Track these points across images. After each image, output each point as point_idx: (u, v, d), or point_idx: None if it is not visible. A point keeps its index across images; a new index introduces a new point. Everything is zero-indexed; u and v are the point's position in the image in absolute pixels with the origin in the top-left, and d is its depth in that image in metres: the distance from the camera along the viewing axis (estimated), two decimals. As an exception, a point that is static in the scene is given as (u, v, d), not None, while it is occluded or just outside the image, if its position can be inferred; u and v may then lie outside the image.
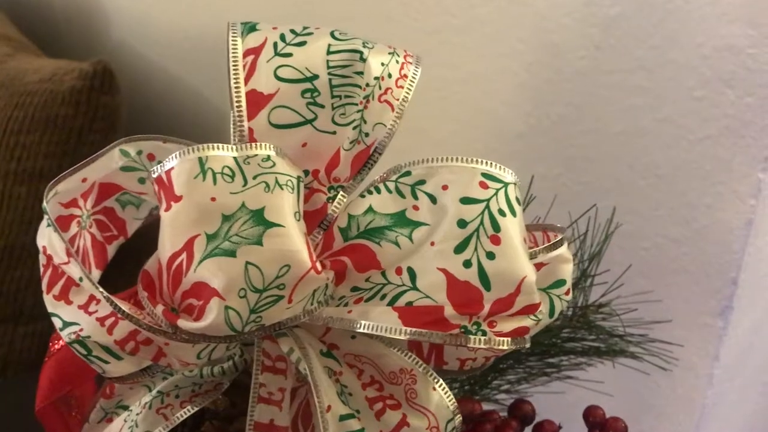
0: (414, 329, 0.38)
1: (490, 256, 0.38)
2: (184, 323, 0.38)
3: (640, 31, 0.74)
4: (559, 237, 0.44)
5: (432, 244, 0.39)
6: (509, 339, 0.38)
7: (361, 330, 0.39)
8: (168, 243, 0.39)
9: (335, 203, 0.42)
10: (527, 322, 0.38)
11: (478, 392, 0.60)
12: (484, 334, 0.38)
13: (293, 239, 0.38)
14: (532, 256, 0.43)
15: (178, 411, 0.46)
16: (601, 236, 0.63)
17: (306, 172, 0.42)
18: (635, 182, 0.79)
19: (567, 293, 0.45)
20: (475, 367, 0.47)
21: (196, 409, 0.46)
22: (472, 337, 0.37)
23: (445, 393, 0.42)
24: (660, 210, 0.78)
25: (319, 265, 0.39)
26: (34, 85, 1.02)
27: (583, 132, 0.82)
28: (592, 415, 0.54)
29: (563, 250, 0.44)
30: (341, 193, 0.42)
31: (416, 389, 0.42)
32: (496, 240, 0.38)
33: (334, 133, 0.42)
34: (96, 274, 0.48)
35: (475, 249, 0.38)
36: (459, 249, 0.38)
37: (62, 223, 0.45)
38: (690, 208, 0.75)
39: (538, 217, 0.59)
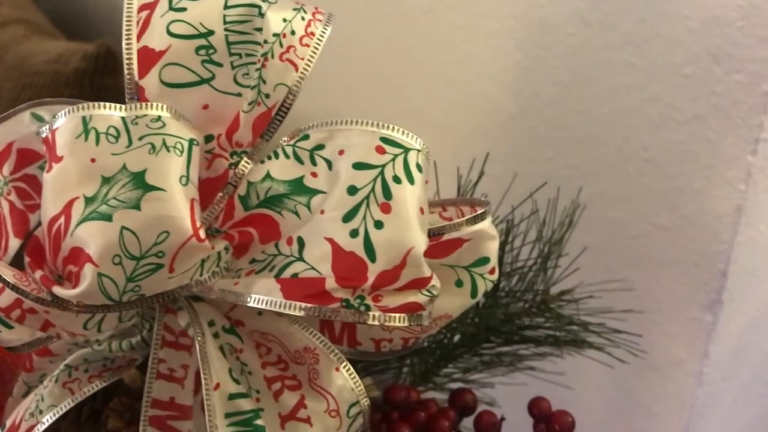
0: (293, 302, 0.35)
1: (378, 225, 0.35)
2: (59, 290, 0.36)
3: (628, 4, 0.69)
4: (482, 210, 0.40)
5: (322, 212, 0.36)
6: (401, 315, 0.35)
7: (243, 303, 0.36)
8: (49, 206, 0.37)
9: (238, 169, 0.40)
10: (418, 297, 0.35)
11: (430, 379, 0.57)
12: (368, 308, 0.35)
13: (174, 204, 0.35)
14: (451, 230, 0.40)
15: (86, 386, 0.44)
16: (566, 219, 0.59)
17: (210, 137, 0.40)
18: (624, 166, 0.75)
19: (492, 272, 0.42)
20: (394, 349, 0.44)
21: (104, 384, 0.44)
22: (353, 311, 0.34)
23: (350, 375, 0.39)
24: (648, 196, 0.73)
25: (202, 233, 0.36)
26: (41, 66, 1.04)
27: (572, 113, 0.78)
28: (536, 408, 0.50)
29: (486, 225, 0.41)
30: (245, 159, 0.40)
31: (318, 369, 0.39)
32: (386, 208, 0.35)
33: (239, 95, 0.39)
34: (15, 242, 0.46)
35: (364, 218, 0.35)
36: (347, 217, 0.35)
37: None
38: (678, 193, 0.71)
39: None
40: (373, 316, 0.35)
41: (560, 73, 0.77)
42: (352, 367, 0.40)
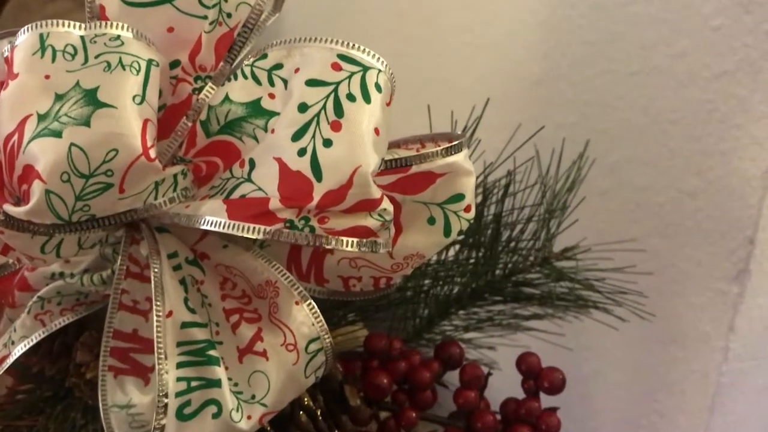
0: (237, 223, 0.33)
1: (327, 143, 0.33)
2: (9, 208, 0.36)
3: (656, -47, 0.66)
4: (456, 142, 0.38)
5: (272, 131, 0.35)
6: (351, 240, 0.33)
7: (193, 225, 0.35)
8: (4, 124, 0.36)
9: (202, 95, 0.38)
10: (368, 221, 0.33)
11: (422, 336, 0.55)
12: (312, 230, 0.33)
13: (125, 122, 0.34)
14: (420, 160, 0.38)
15: (57, 318, 0.44)
16: (575, 173, 0.56)
17: (176, 63, 0.39)
18: (649, 128, 0.71)
19: (467, 210, 0.40)
20: (366, 290, 0.42)
21: (76, 317, 0.44)
22: (297, 232, 0.33)
23: (312, 311, 0.38)
24: (674, 159, 0.69)
25: (153, 153, 0.35)
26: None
27: (598, 74, 0.75)
28: (525, 363, 0.48)
29: (460, 158, 0.38)
30: (210, 84, 0.38)
31: (278, 303, 0.38)
32: (336, 126, 0.33)
33: (204, 17, 0.38)
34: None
35: (313, 136, 0.33)
36: (296, 136, 0.33)
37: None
38: (704, 155, 0.67)
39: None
40: (322, 238, 0.33)
41: (586, 32, 0.74)
42: (315, 305, 0.38)
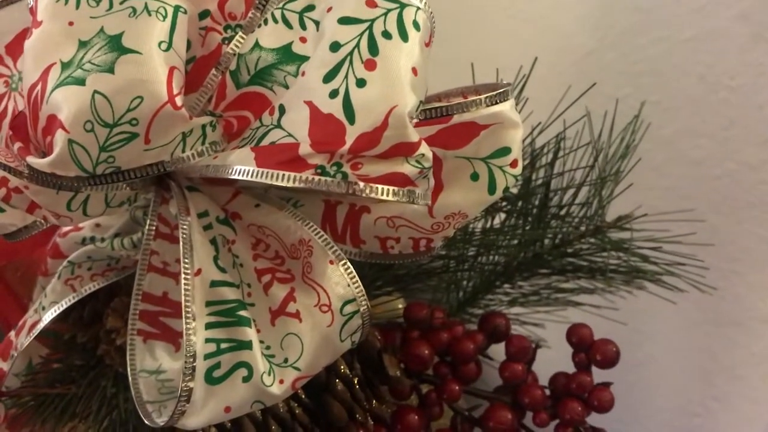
0: (266, 170, 0.31)
1: (361, 83, 0.30)
2: (33, 160, 0.34)
3: None
4: (501, 90, 0.36)
5: (303, 74, 0.32)
6: (386, 188, 0.31)
7: (222, 175, 0.33)
8: (28, 74, 0.35)
9: (232, 44, 0.36)
10: (405, 167, 0.31)
11: (466, 310, 0.52)
12: (345, 177, 0.30)
13: (150, 68, 0.33)
14: (462, 109, 0.35)
15: (87, 283, 0.43)
16: (629, 137, 0.53)
17: (206, 13, 0.37)
18: (706, 97, 0.67)
19: (513, 165, 0.37)
20: (405, 253, 0.39)
21: (106, 283, 0.43)
22: (328, 179, 0.30)
23: (348, 271, 0.35)
24: (733, 129, 0.66)
25: (179, 101, 0.33)
26: None
27: (650, 42, 0.71)
28: (576, 335, 0.45)
29: (506, 108, 0.36)
30: (240, 33, 0.37)
31: (312, 262, 0.36)
32: (371, 65, 0.30)
33: None
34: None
35: (345, 76, 0.31)
36: (328, 77, 0.31)
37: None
38: (766, 124, 0.63)
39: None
40: (356, 184, 0.30)
41: (637, -1, 0.71)
42: (351, 266, 0.36)
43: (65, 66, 0.33)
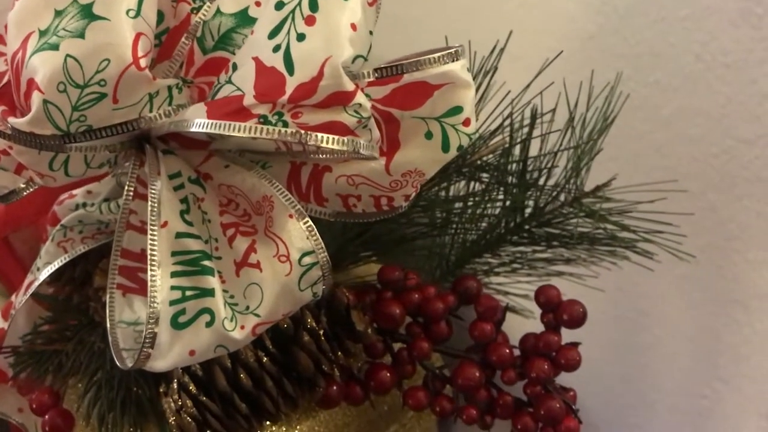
0: (214, 121, 0.33)
1: (301, 37, 0.32)
2: (13, 120, 0.37)
3: None
4: (453, 50, 0.37)
5: (252, 32, 0.35)
6: (330, 137, 0.32)
7: (183, 129, 0.36)
8: (11, 43, 0.38)
9: (200, 13, 0.39)
10: (343, 116, 0.33)
11: (449, 280, 0.54)
12: (285, 125, 0.33)
13: (117, 33, 0.35)
14: (412, 68, 0.37)
15: (78, 245, 0.45)
16: (608, 109, 0.54)
17: (179, -17, 0.39)
18: (703, 75, 0.67)
19: (466, 123, 0.39)
20: (369, 211, 0.41)
21: (95, 245, 0.45)
22: (270, 128, 0.32)
23: (307, 225, 0.38)
24: (729, 106, 0.66)
25: (144, 62, 0.36)
26: None
27: (649, 24, 0.71)
28: (543, 295, 0.46)
29: (457, 67, 0.37)
30: (207, 3, 0.39)
31: (273, 216, 0.38)
32: (310, 20, 0.32)
33: None
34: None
35: (288, 32, 0.33)
36: (272, 34, 0.33)
37: (-17, 56, 0.46)
38: (761, 98, 0.63)
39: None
40: (277, 130, 0.32)
41: (637, -21, 0.71)
42: (311, 222, 0.38)
43: (42, 33, 0.36)
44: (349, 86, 0.33)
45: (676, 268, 0.69)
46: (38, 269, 0.46)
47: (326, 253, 0.38)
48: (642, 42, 0.72)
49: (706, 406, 0.75)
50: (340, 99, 0.33)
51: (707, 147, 0.69)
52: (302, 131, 0.32)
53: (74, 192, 0.48)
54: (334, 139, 0.33)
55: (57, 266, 0.45)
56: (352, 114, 0.33)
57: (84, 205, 0.47)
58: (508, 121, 0.52)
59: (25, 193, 0.44)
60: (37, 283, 0.46)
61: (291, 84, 0.32)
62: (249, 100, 0.33)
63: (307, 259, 0.38)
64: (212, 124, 0.33)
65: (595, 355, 0.81)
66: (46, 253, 0.46)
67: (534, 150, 0.53)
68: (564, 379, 0.81)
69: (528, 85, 0.52)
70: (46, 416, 0.45)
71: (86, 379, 0.46)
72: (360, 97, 0.33)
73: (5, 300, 0.52)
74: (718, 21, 0.64)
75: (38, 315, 0.51)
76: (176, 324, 0.37)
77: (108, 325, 0.40)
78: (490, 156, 0.51)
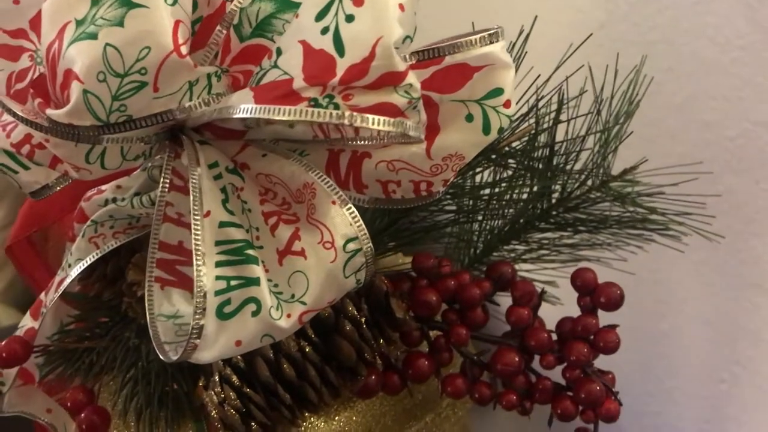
0: (263, 106, 0.33)
1: (349, 18, 0.32)
2: (51, 111, 0.37)
3: None
4: (493, 31, 0.37)
5: (297, 16, 0.34)
6: (378, 118, 0.32)
7: (226, 116, 0.35)
8: (46, 34, 0.37)
9: (237, 1, 0.39)
10: (394, 97, 0.33)
11: (477, 268, 0.54)
12: (337, 107, 0.32)
13: (156, 20, 0.35)
14: (454, 50, 0.37)
15: (110, 240, 0.45)
16: (633, 92, 0.54)
17: (210, -29, 0.39)
18: (718, 60, 0.68)
19: (506, 105, 0.39)
20: (407, 197, 0.41)
21: (127, 240, 0.45)
22: (321, 110, 0.32)
23: (350, 212, 0.37)
24: (745, 89, 0.66)
25: (185, 49, 0.35)
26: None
27: (660, 10, 0.72)
28: (580, 279, 0.46)
29: (497, 48, 0.37)
30: (242, -11, 0.39)
31: (315, 204, 0.38)
32: (359, 1, 0.32)
33: None
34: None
35: (336, 13, 0.33)
36: (319, 16, 0.33)
37: (8, 53, 0.46)
38: (778, 80, 0.63)
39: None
40: (330, 113, 0.32)
41: (646, -33, 0.71)
42: (354, 209, 0.38)
43: (79, 23, 0.36)
44: (401, 66, 0.32)
45: (694, 253, 0.70)
46: (69, 266, 0.46)
47: (370, 240, 0.38)
48: (653, 29, 0.72)
49: (725, 390, 0.75)
50: (392, 79, 0.32)
51: (723, 131, 0.69)
52: (353, 114, 0.32)
53: (103, 188, 0.47)
54: (384, 120, 0.33)
55: (89, 262, 0.44)
56: (403, 95, 0.33)
57: (114, 200, 0.47)
58: (534, 107, 0.52)
59: (58, 188, 0.43)
60: (68, 280, 0.45)
61: (342, 66, 0.32)
62: (299, 83, 0.33)
63: (351, 246, 0.37)
64: (261, 108, 0.33)
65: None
66: (77, 249, 0.45)
67: (560, 136, 0.53)
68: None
69: (555, 70, 0.52)
70: (82, 414, 0.44)
71: (121, 376, 0.45)
72: (411, 77, 0.33)
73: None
74: (731, 3, 0.64)
75: (65, 314, 0.51)
76: (222, 314, 0.37)
77: (148, 318, 0.40)
78: (517, 143, 0.51)
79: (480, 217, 0.52)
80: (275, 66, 0.35)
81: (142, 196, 0.44)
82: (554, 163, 0.52)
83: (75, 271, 0.45)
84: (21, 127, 0.41)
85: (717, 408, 0.76)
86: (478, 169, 0.50)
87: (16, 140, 0.41)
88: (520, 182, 0.52)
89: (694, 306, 0.75)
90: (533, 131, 0.51)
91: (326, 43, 0.33)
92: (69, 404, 0.45)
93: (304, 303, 0.37)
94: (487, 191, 0.52)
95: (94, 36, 0.35)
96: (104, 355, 0.46)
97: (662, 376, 0.80)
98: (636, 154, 0.61)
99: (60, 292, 0.45)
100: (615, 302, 0.45)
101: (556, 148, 0.52)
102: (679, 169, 0.55)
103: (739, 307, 0.72)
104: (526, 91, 0.52)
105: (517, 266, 0.56)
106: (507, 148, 0.51)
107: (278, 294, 0.38)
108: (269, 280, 0.38)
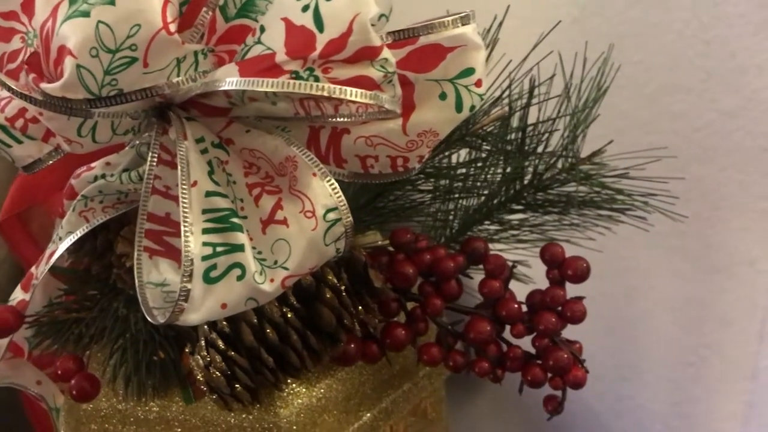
0: (247, 78, 0.35)
1: None
2: (45, 85, 0.38)
3: None
4: (464, 13, 0.40)
5: None
6: (356, 90, 0.34)
7: (212, 89, 0.37)
8: (39, 12, 0.39)
9: (222, -18, 0.41)
10: (370, 71, 0.35)
11: (453, 247, 0.56)
12: (317, 79, 0.34)
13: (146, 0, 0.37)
14: (427, 31, 0.39)
15: (99, 215, 0.47)
16: (601, 80, 0.57)
17: (199, -47, 0.41)
18: (684, 52, 0.70)
19: (478, 84, 0.41)
20: (385, 172, 0.43)
21: (116, 214, 0.47)
22: (303, 82, 0.34)
23: (330, 184, 0.39)
24: (710, 80, 0.69)
25: (173, 27, 0.37)
26: None
27: (630, 4, 0.74)
28: (548, 253, 0.48)
29: (469, 30, 0.40)
30: (228, -28, 0.41)
31: (297, 175, 0.40)
32: None
33: None
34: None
35: None
36: None
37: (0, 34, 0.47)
38: (740, 72, 0.66)
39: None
40: (310, 85, 0.34)
41: (618, -38, 0.74)
42: (334, 181, 0.40)
43: (72, 2, 0.38)
44: (377, 41, 0.35)
45: (663, 240, 0.72)
46: (60, 238, 0.47)
47: (349, 211, 0.40)
48: (624, 22, 0.75)
49: (693, 373, 0.78)
50: (368, 54, 0.35)
51: (690, 121, 0.72)
52: (332, 87, 0.34)
53: (92, 165, 0.49)
54: (360, 93, 0.35)
55: (80, 234, 0.46)
56: (379, 69, 0.35)
57: (103, 176, 0.48)
58: (507, 92, 0.55)
59: (49, 162, 0.45)
60: (59, 252, 0.47)
61: (321, 40, 0.34)
62: (281, 57, 0.35)
63: (331, 215, 0.39)
64: (245, 81, 0.35)
65: (584, 330, 0.84)
66: (67, 222, 0.47)
67: (532, 119, 0.56)
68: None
69: (526, 57, 0.54)
70: (72, 381, 0.46)
71: (110, 345, 0.47)
72: (386, 53, 0.35)
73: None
74: (698, -1, 0.67)
75: (55, 289, 0.52)
76: (208, 279, 0.39)
77: (137, 285, 0.42)
78: (491, 126, 0.53)
79: (455, 196, 0.55)
80: (259, 42, 0.37)
81: (130, 172, 0.46)
82: (526, 146, 0.54)
83: (65, 244, 0.46)
84: (15, 102, 0.42)
85: (686, 390, 0.78)
86: (450, 151, 0.52)
87: (10, 114, 0.42)
88: (494, 163, 0.55)
89: (663, 291, 0.78)
90: (506, 115, 0.54)
91: (307, 20, 0.35)
92: (60, 372, 0.47)
93: (286, 268, 0.39)
94: (463, 171, 0.55)
95: (86, 14, 0.37)
96: (93, 326, 0.48)
97: (636, 360, 0.83)
98: (610, 145, 0.63)
99: (50, 264, 0.47)
100: (581, 274, 0.47)
101: (528, 131, 0.54)
102: (646, 154, 0.58)
103: (707, 292, 0.75)
104: (498, 76, 0.54)
105: (490, 245, 0.59)
106: (481, 131, 0.53)
107: (262, 260, 0.40)
108: (253, 248, 0.40)
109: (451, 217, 0.56)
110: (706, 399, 0.77)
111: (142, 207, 0.43)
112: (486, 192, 0.55)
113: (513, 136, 0.54)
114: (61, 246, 0.47)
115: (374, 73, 0.35)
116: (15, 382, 0.54)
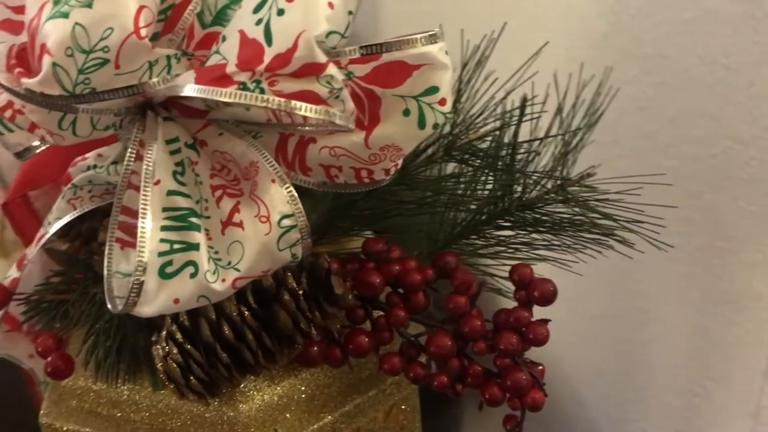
0: (200, 86, 0.37)
1: (281, 12, 0.36)
2: (25, 80, 0.41)
3: None
4: (431, 33, 0.40)
5: (240, 7, 0.38)
6: (306, 105, 0.35)
7: (176, 93, 0.39)
8: (29, 10, 0.41)
9: (203, -11, 0.42)
10: (315, 86, 0.36)
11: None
12: (262, 91, 0.36)
13: (121, 5, 0.39)
14: (391, 48, 0.40)
15: (87, 203, 0.49)
16: (600, 100, 0.56)
17: (182, -40, 0.43)
18: (705, 77, 0.69)
19: (441, 103, 0.41)
20: (350, 182, 0.44)
21: (102, 203, 0.49)
22: (249, 93, 0.36)
23: (288, 191, 0.41)
24: (727, 107, 0.67)
25: (144, 32, 0.39)
26: None
27: (655, 24, 0.73)
28: (517, 273, 0.48)
29: (435, 49, 0.40)
30: (208, -19, 0.42)
31: (257, 180, 0.41)
32: None
33: None
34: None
35: (270, 7, 0.36)
36: (257, 9, 0.36)
37: (10, 27, 0.50)
38: (758, 101, 0.64)
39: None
40: (255, 97, 0.35)
41: (646, -20, 0.73)
42: (293, 189, 0.41)
43: (56, 3, 0.40)
44: (321, 58, 0.36)
45: (675, 266, 0.71)
46: (49, 223, 0.50)
47: (305, 218, 0.41)
48: (648, 42, 0.74)
49: (697, 403, 0.76)
50: (313, 69, 0.36)
51: (708, 148, 0.70)
52: (275, 98, 0.35)
53: (87, 155, 0.52)
54: (308, 107, 0.36)
55: (66, 220, 0.49)
56: (324, 84, 0.36)
57: (94, 167, 0.51)
58: (499, 109, 0.55)
59: (38, 151, 0.48)
60: (47, 236, 0.49)
61: (269, 54, 0.36)
62: (231, 68, 0.36)
63: (286, 222, 0.41)
64: (199, 89, 0.37)
65: (595, 351, 0.83)
66: (57, 209, 0.50)
67: (524, 138, 0.55)
68: (564, 371, 0.83)
69: (515, 73, 0.54)
70: (49, 358, 0.48)
71: (87, 328, 0.49)
72: (332, 69, 0.36)
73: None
74: (721, 24, 0.66)
75: (50, 268, 0.55)
76: (164, 274, 0.40)
77: (105, 273, 0.44)
78: (480, 142, 0.54)
79: (440, 210, 0.55)
80: (217, 51, 0.38)
81: (117, 165, 0.48)
82: (515, 164, 0.54)
83: (53, 228, 0.49)
84: (5, 94, 0.45)
85: (690, 420, 0.77)
86: (434, 164, 0.53)
87: (1, 104, 0.45)
88: (482, 179, 0.55)
89: (674, 318, 0.76)
90: (497, 132, 0.54)
91: (258, 33, 0.36)
92: (40, 349, 0.49)
93: (237, 270, 0.41)
94: (450, 184, 0.55)
95: (66, 15, 0.39)
96: (76, 308, 0.50)
97: (641, 385, 0.82)
98: (629, 165, 0.63)
99: (39, 246, 0.50)
100: (548, 297, 0.47)
101: (519, 149, 0.54)
102: (642, 179, 0.57)
103: (715, 323, 0.73)
104: (496, 91, 0.54)
105: (475, 261, 0.59)
106: (470, 146, 0.54)
107: (217, 260, 0.41)
108: (211, 247, 0.41)
109: (436, 230, 0.56)
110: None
111: (117, 200, 0.45)
112: (473, 206, 0.55)
113: (504, 152, 0.54)
114: (50, 229, 0.49)
115: (319, 88, 0.36)
116: (10, 354, 0.57)
